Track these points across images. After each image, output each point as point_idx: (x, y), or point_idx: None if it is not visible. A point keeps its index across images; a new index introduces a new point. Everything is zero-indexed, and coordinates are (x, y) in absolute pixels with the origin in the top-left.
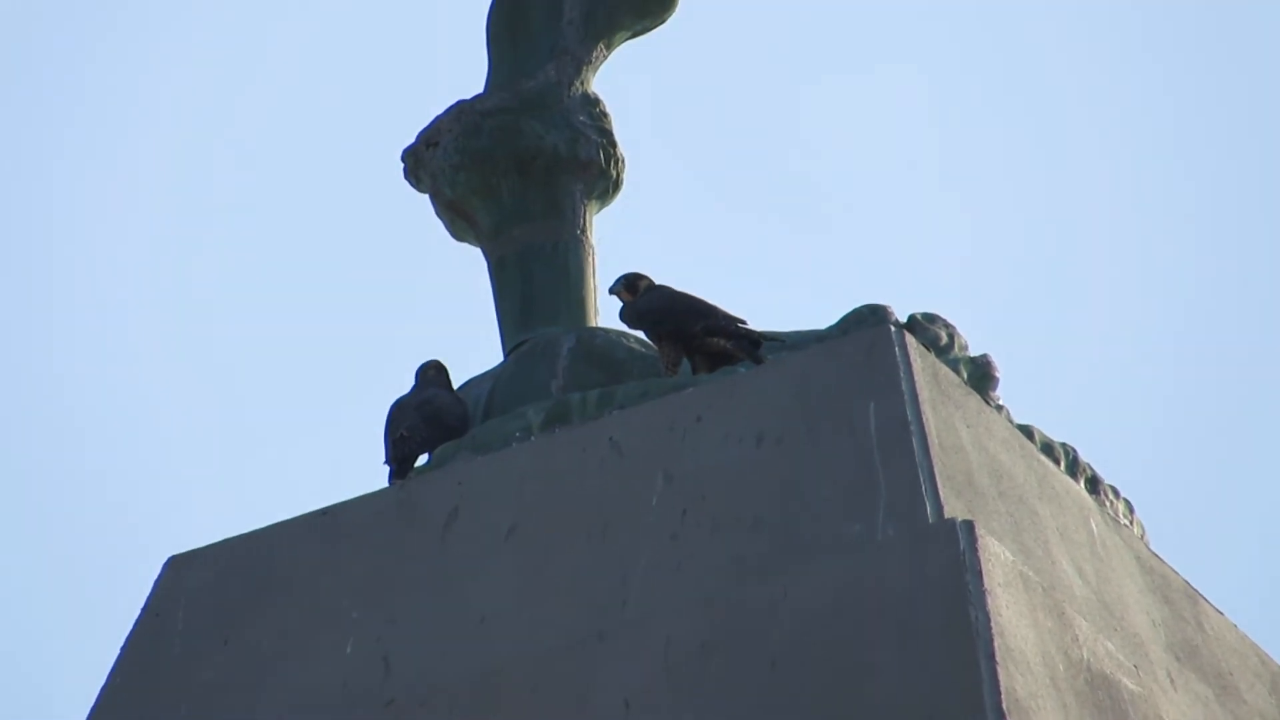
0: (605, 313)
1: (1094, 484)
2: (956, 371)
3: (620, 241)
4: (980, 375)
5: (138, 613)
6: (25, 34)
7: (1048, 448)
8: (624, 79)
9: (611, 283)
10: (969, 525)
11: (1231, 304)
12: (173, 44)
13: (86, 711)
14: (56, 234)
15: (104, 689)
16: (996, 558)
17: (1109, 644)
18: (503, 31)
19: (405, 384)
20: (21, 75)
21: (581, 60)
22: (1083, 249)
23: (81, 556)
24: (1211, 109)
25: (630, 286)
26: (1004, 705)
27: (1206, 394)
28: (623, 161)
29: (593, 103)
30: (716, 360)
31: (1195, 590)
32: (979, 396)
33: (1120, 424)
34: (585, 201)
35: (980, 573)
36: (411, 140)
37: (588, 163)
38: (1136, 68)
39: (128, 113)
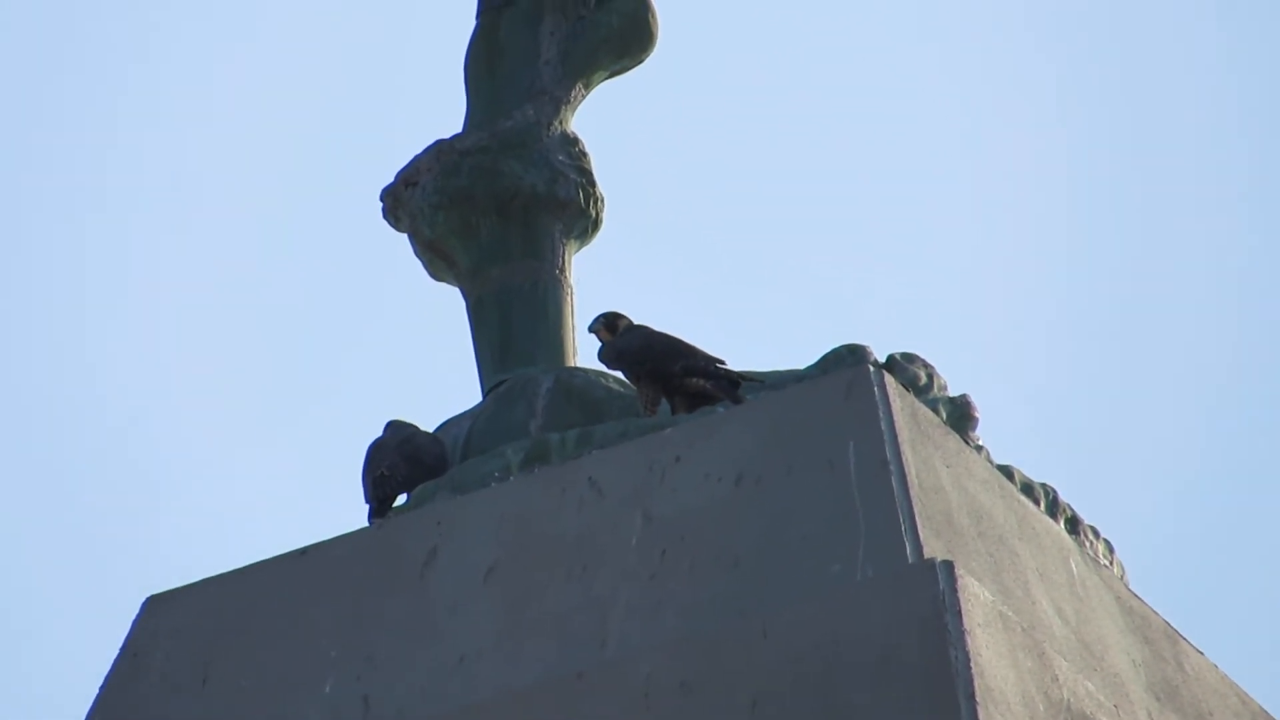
0: (584, 352)
1: (1074, 524)
2: (936, 411)
3: (598, 281)
4: (959, 415)
5: (116, 652)
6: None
7: (1027, 488)
8: (603, 119)
9: (590, 321)
10: (948, 565)
11: (1215, 341)
12: (152, 75)
13: None
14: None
15: None
16: (976, 598)
17: (1089, 684)
18: (481, 71)
19: (383, 423)
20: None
21: (560, 100)
22: (1057, 285)
23: (59, 596)
24: (1191, 148)
25: (609, 325)
26: None
27: (1188, 434)
28: (602, 201)
29: (571, 142)
30: (695, 400)
31: (1175, 630)
32: (958, 436)
33: (1100, 464)
34: (564, 241)
35: (960, 613)
36: (390, 180)
37: (566, 202)
38: (1097, 84)
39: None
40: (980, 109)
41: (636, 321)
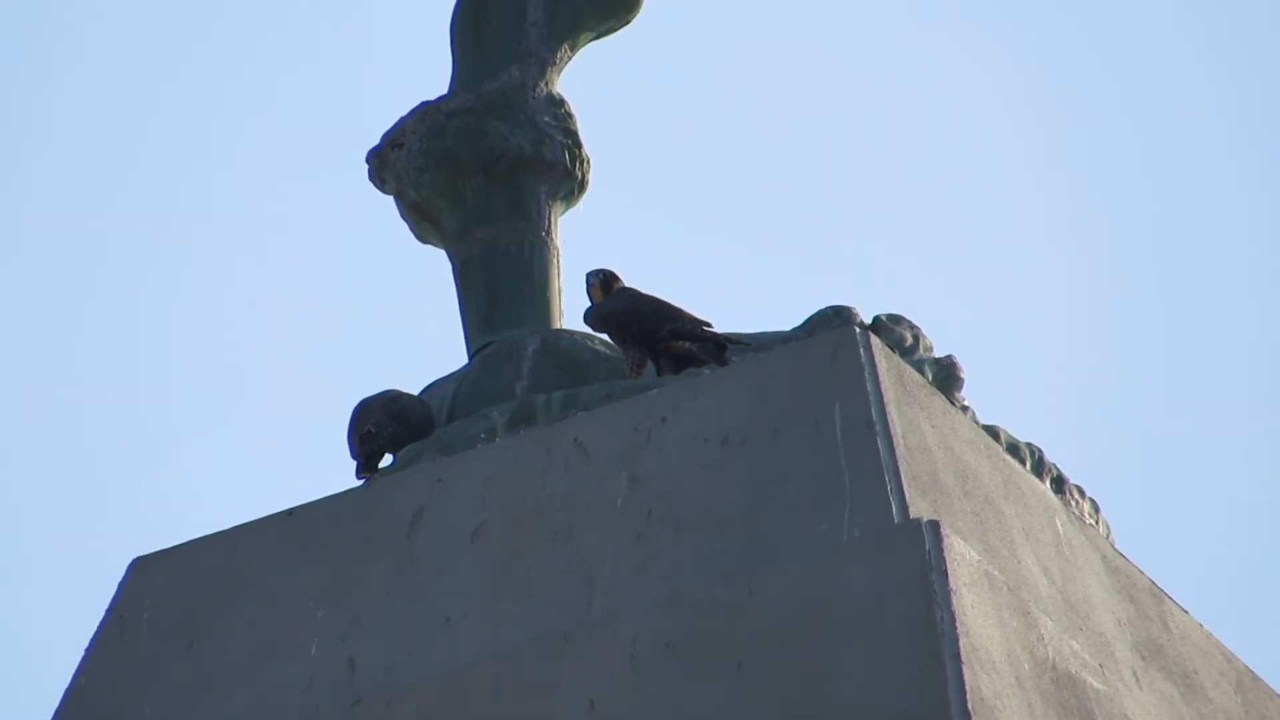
0: (570, 314)
1: (1059, 483)
2: (921, 372)
3: (585, 244)
4: (945, 376)
5: (102, 615)
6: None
7: (1013, 448)
8: (589, 80)
9: (589, 273)
10: (934, 525)
11: (1198, 302)
12: (145, 37)
13: (51, 714)
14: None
15: (68, 691)
16: (962, 557)
17: (1074, 643)
18: (467, 32)
19: (371, 386)
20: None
21: (546, 61)
22: (1046, 248)
23: (46, 558)
24: (1173, 108)
25: (605, 285)
26: (969, 705)
27: (1173, 394)
28: (588, 162)
29: (557, 103)
30: (682, 362)
31: (1160, 589)
32: (944, 397)
33: (1086, 424)
34: (550, 203)
35: (946, 572)
36: (376, 142)
37: (552, 163)
38: (1098, 61)
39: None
40: (980, 62)
41: (626, 283)
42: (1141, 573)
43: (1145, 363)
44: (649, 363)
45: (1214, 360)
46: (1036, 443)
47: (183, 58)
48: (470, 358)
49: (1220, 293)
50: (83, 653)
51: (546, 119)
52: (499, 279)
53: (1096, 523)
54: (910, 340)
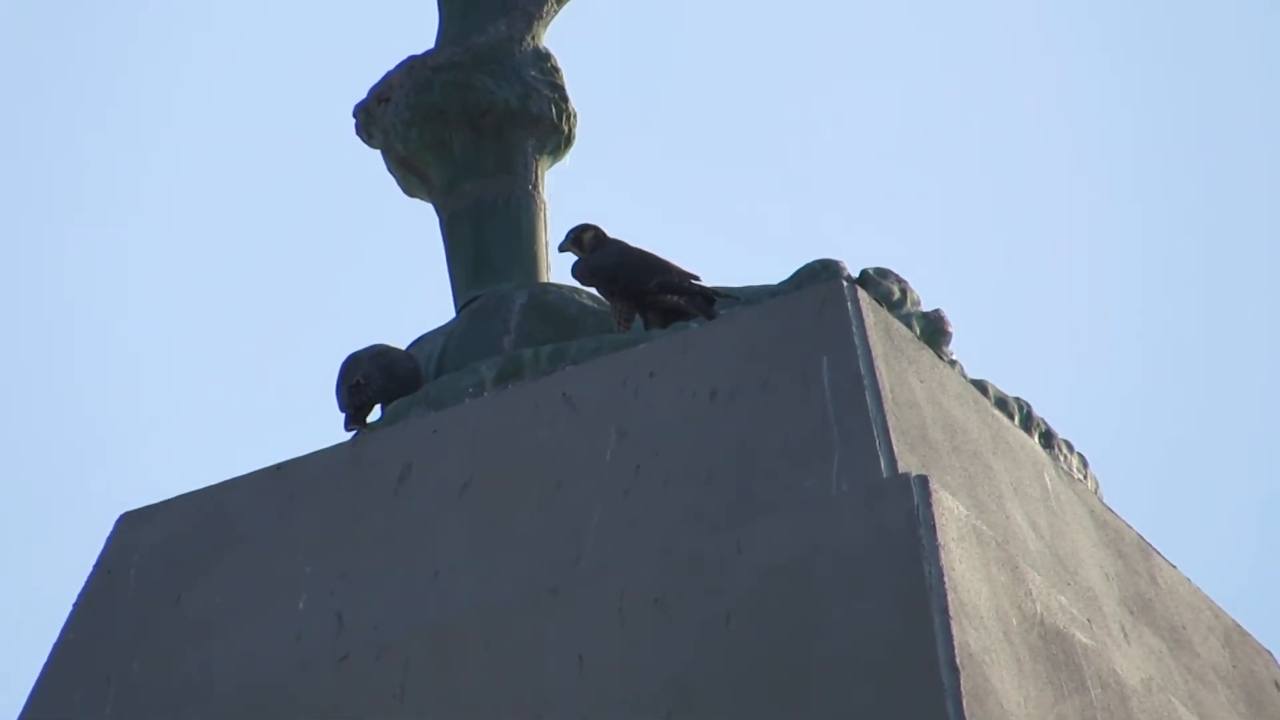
0: (557, 268)
1: (1048, 438)
2: (909, 326)
3: (572, 197)
4: (933, 330)
5: (90, 570)
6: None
7: (1001, 402)
8: (577, 32)
9: (574, 227)
10: (923, 480)
11: (1182, 257)
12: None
13: (39, 669)
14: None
15: (56, 646)
16: (950, 512)
17: (1062, 598)
18: None
19: (359, 340)
20: None
21: (533, 15)
22: (1034, 202)
23: (33, 514)
24: (1161, 74)
25: (577, 240)
26: (957, 659)
27: (1160, 347)
28: (574, 116)
29: (544, 58)
30: (670, 316)
31: (1149, 544)
32: (932, 351)
33: (1075, 378)
34: (537, 157)
35: (934, 527)
36: (363, 96)
37: (539, 118)
38: (1096, 41)
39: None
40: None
41: (611, 235)
42: (1130, 527)
43: (1136, 316)
44: (637, 316)
45: (1207, 310)
46: (1025, 397)
47: (167, 7)
48: (458, 312)
49: (1215, 237)
50: (71, 608)
51: (533, 73)
52: (486, 233)
53: (1085, 477)
54: (898, 294)
